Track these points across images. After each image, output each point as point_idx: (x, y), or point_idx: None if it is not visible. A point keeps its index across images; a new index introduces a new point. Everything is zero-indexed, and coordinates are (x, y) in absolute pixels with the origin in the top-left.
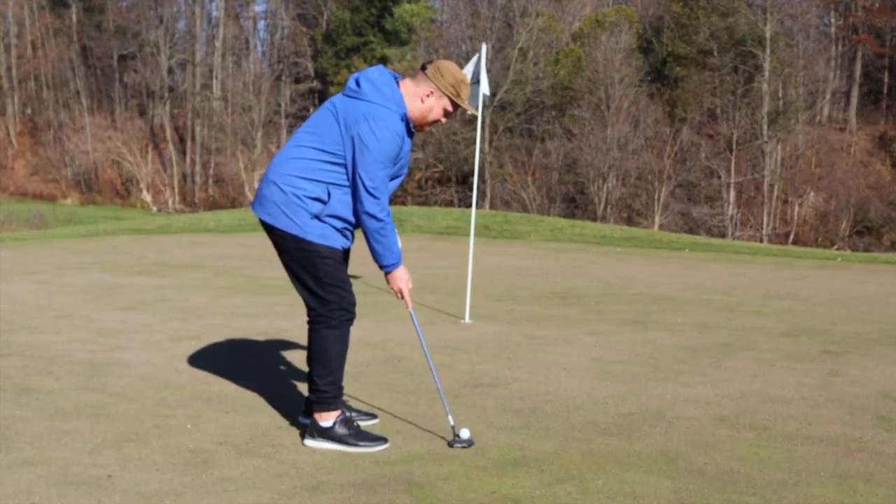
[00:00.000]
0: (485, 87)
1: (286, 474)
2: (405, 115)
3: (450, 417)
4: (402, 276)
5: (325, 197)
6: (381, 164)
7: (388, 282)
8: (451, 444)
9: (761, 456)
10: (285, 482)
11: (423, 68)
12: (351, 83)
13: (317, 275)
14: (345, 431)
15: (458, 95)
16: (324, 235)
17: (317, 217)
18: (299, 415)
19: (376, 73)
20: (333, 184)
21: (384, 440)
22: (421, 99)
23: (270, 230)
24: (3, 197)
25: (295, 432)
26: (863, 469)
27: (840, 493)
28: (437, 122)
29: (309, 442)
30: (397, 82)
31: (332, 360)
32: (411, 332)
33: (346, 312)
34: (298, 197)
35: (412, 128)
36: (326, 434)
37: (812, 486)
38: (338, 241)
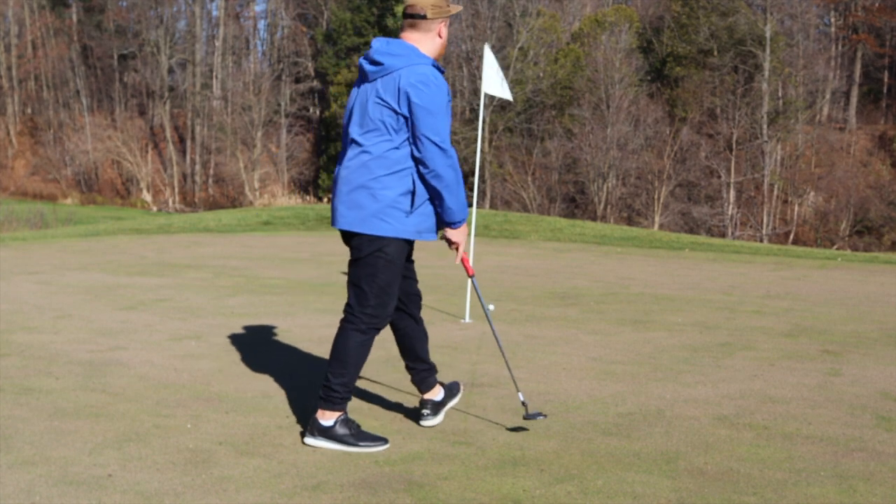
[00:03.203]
0: (507, 93)
1: (286, 474)
2: (434, 61)
3: (520, 395)
4: (465, 231)
5: (411, 185)
6: (443, 116)
7: (451, 238)
8: (529, 417)
9: (761, 456)
10: (285, 482)
11: (411, 15)
12: (367, 66)
13: (375, 276)
14: (345, 431)
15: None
16: (419, 231)
17: (410, 212)
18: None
19: (383, 43)
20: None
21: (384, 440)
22: (438, 34)
23: (353, 237)
24: (3, 197)
25: (295, 432)
26: (863, 469)
27: (840, 493)
28: None
29: (309, 440)
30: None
31: (350, 362)
32: None
33: (379, 321)
34: (390, 197)
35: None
36: (327, 433)
37: (812, 486)
38: (432, 231)
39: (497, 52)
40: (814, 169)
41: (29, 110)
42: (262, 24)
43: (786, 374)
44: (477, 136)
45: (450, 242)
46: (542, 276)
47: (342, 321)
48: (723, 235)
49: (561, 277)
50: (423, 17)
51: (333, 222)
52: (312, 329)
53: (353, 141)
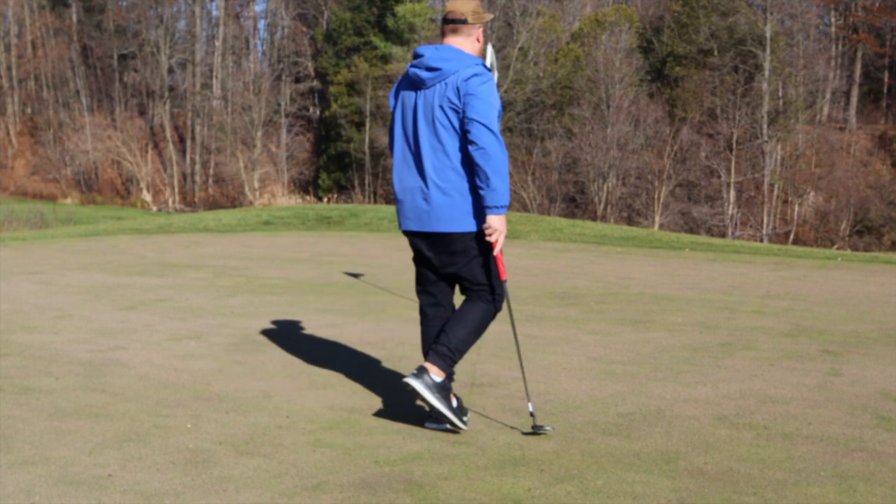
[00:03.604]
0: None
1: (286, 474)
2: (482, 61)
3: (529, 405)
4: (505, 221)
5: None
6: (492, 106)
7: (494, 225)
8: (534, 430)
9: (761, 456)
10: (285, 482)
11: (453, 21)
12: (424, 73)
13: (487, 262)
14: (447, 393)
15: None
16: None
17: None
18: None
19: (433, 50)
20: None
21: (465, 419)
22: (476, 39)
23: (441, 238)
24: (3, 197)
25: (295, 432)
26: (863, 469)
27: (840, 493)
28: None
29: (417, 385)
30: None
31: (472, 332)
32: (411, 333)
33: (501, 301)
34: (462, 194)
35: None
36: (437, 387)
37: (812, 486)
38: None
39: (497, 51)
40: (814, 169)
41: (29, 110)
42: (262, 23)
43: (786, 374)
44: None
45: (488, 234)
46: (542, 276)
47: (474, 298)
48: (723, 235)
49: (561, 277)
50: (465, 22)
51: (425, 226)
52: (312, 329)
53: (430, 147)
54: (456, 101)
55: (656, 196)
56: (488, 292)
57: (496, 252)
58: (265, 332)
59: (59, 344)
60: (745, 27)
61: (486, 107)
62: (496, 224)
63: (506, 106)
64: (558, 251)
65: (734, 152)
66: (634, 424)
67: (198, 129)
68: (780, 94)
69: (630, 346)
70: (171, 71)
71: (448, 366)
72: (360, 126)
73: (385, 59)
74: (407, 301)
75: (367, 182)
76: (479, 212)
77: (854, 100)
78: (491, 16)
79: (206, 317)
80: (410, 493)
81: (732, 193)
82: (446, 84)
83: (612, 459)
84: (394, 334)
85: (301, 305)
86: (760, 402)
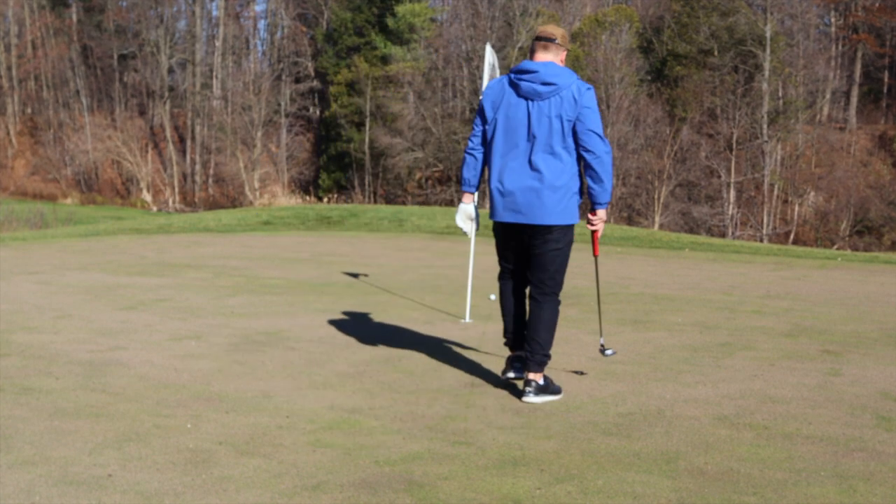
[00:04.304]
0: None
1: (286, 474)
2: (578, 76)
3: (601, 339)
4: (606, 212)
5: (578, 181)
6: (599, 116)
7: (598, 215)
8: (602, 352)
9: (761, 456)
10: (285, 482)
11: (546, 39)
12: (540, 87)
13: (567, 255)
14: (552, 385)
15: None
16: (577, 216)
17: (579, 202)
18: (505, 371)
19: (542, 66)
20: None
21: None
22: (560, 60)
23: (546, 228)
24: (3, 197)
25: (295, 432)
26: (863, 469)
27: (840, 492)
28: None
29: (533, 399)
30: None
31: (551, 329)
32: (411, 332)
33: (559, 295)
34: (570, 193)
35: None
36: (546, 390)
37: (812, 485)
38: None
39: (497, 52)
40: (814, 169)
41: (29, 110)
42: (262, 24)
43: (786, 374)
44: None
45: (595, 222)
46: None
47: (541, 296)
48: (723, 235)
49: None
50: (554, 42)
51: (534, 219)
52: (312, 329)
53: (545, 151)
54: (571, 112)
55: (656, 196)
56: (557, 284)
57: (599, 234)
58: (265, 332)
59: (59, 344)
60: (745, 27)
61: (597, 117)
62: (602, 215)
63: None
64: None
65: (734, 152)
66: (634, 424)
67: (198, 129)
68: (780, 94)
69: (630, 346)
70: (171, 71)
71: (544, 366)
72: (360, 126)
73: (385, 59)
74: (407, 301)
75: (367, 182)
76: (574, 209)
77: (854, 100)
78: (572, 46)
79: (206, 317)
80: (410, 493)
81: (732, 193)
82: (561, 98)
83: (612, 459)
84: (393, 334)
85: (301, 305)
86: (760, 402)
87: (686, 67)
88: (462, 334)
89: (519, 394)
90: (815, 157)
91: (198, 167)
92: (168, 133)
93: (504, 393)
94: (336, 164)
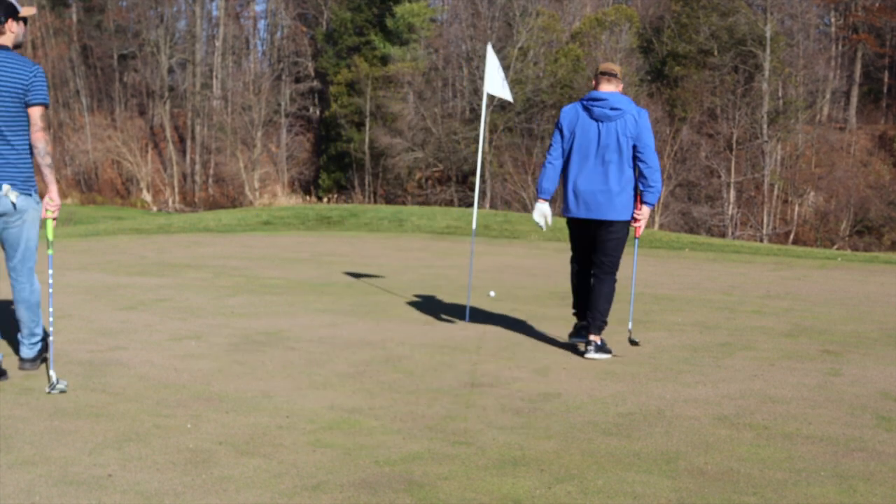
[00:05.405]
0: (507, 94)
1: (286, 474)
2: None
3: (630, 324)
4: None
5: (633, 185)
6: (653, 135)
7: (644, 211)
8: (631, 342)
9: (761, 456)
10: (285, 482)
11: (611, 74)
12: (610, 112)
13: (624, 243)
14: (607, 345)
15: None
16: (632, 213)
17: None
18: (572, 335)
19: (610, 95)
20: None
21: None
22: (620, 90)
23: (611, 223)
24: None
25: (295, 432)
26: (863, 469)
27: (840, 492)
28: None
29: (594, 355)
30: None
31: (609, 300)
32: (411, 332)
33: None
34: (628, 195)
35: None
36: (602, 349)
37: (812, 485)
38: None
39: (497, 51)
40: (814, 169)
41: None
42: (262, 24)
43: (786, 374)
44: (478, 135)
45: (640, 216)
46: (542, 276)
47: (602, 274)
48: (723, 235)
49: (561, 277)
50: (616, 76)
51: (603, 215)
52: (312, 329)
53: (611, 162)
54: (632, 131)
55: None
56: (615, 265)
57: (643, 226)
58: (265, 332)
59: (59, 344)
60: (745, 27)
61: (651, 136)
62: (647, 211)
63: (506, 106)
64: (558, 251)
65: (734, 152)
66: (634, 424)
67: (198, 129)
68: (780, 94)
69: (630, 345)
70: (171, 71)
71: (602, 329)
72: (360, 126)
73: (385, 59)
74: (407, 301)
75: (367, 182)
76: (631, 207)
77: (854, 100)
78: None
79: (206, 317)
80: (410, 493)
81: (732, 193)
82: (625, 121)
83: (612, 459)
84: (394, 334)
85: (301, 305)
86: (760, 402)
87: (686, 67)
88: (462, 334)
89: (515, 395)
90: (815, 157)
91: (198, 167)
92: (168, 133)
93: (504, 393)
94: (336, 164)
